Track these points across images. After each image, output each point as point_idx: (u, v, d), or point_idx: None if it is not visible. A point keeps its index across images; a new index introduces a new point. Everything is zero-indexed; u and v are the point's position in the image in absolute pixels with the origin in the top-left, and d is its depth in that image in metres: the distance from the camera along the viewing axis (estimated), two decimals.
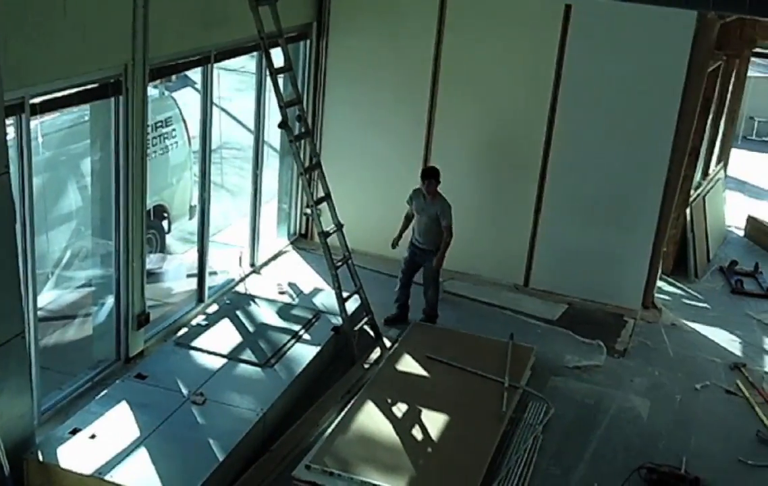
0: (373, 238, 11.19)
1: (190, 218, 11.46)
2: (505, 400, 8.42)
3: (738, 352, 10.50)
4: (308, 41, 11.39)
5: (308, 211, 10.28)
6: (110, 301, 8.53)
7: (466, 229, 10.53)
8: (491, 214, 11.28)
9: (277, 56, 9.37)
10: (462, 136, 11.14)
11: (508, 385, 8.67)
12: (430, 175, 9.83)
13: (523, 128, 10.98)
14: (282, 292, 10.12)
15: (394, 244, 10.15)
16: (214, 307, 9.64)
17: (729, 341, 10.74)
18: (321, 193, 9.86)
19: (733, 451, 8.45)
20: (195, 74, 10.38)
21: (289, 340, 8.80)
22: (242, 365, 8.29)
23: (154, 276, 10.15)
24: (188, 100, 12.40)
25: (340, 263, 9.44)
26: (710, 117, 13.07)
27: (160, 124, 10.86)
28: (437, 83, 11.12)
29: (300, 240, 12.18)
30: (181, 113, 11.36)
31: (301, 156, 10.08)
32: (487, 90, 10.99)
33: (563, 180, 10.90)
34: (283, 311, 9.49)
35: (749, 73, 16.07)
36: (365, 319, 9.61)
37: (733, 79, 14.50)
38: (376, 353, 9.35)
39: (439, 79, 11.10)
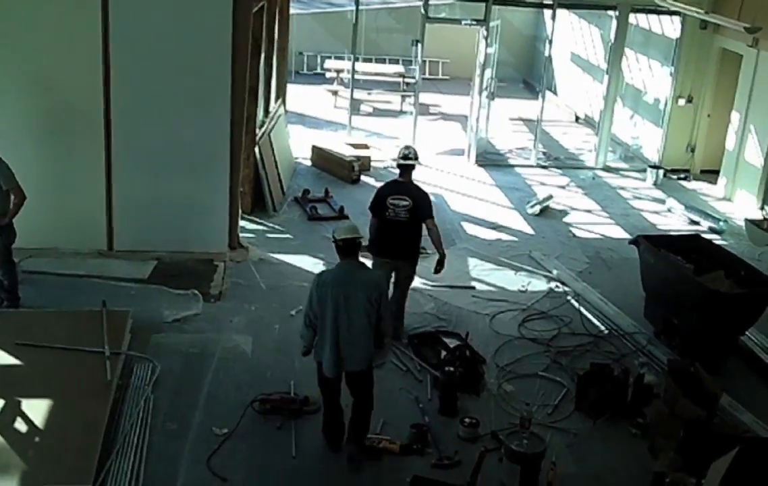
0: None
1: None
2: (108, 369, 8.10)
3: None
4: None
5: None
6: None
7: (34, 203, 9.80)
8: (60, 184, 10.66)
9: None
10: (10, 107, 10.35)
11: (109, 353, 8.33)
12: None
13: (78, 90, 10.49)
14: None
15: None
16: None
17: (313, 265, 11.30)
18: None
19: None
20: None
21: None
22: None
23: None
24: None
25: None
26: (262, 56, 13.52)
27: None
28: None
29: None
30: None
31: None
32: (30, 56, 10.29)
33: (130, 137, 10.62)
34: None
35: (292, 11, 16.89)
36: None
37: (277, 18, 15.11)
38: None
39: None
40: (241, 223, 11.92)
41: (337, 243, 7.29)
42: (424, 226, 9.30)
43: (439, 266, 9.35)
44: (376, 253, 9.28)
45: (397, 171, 9.57)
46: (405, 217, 9.13)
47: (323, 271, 7.55)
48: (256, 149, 12.89)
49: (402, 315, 9.63)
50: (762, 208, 14.50)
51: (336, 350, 7.14)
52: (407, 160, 9.36)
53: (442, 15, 18.50)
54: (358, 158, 15.13)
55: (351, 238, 7.22)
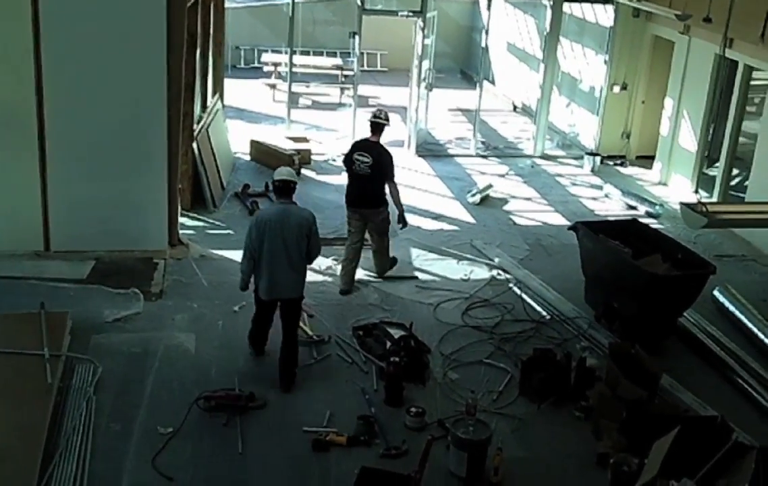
0: None
1: None
2: (49, 371, 7.96)
3: None
4: None
5: None
6: None
7: None
8: None
9: None
10: None
11: (49, 355, 8.18)
12: None
13: (10, 87, 10.25)
14: None
15: None
16: None
17: None
18: None
19: None
20: None
21: None
22: None
23: None
24: None
25: None
26: (198, 51, 13.34)
27: None
28: None
29: None
30: None
31: None
32: None
33: (66, 135, 10.40)
34: None
35: (227, 5, 16.72)
36: None
37: (213, 12, 14.95)
38: None
39: None
40: (181, 219, 11.76)
41: (274, 184, 8.58)
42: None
43: (401, 222, 10.82)
44: (349, 204, 10.67)
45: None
46: (367, 172, 10.38)
47: (262, 210, 9.00)
48: (194, 145, 12.74)
49: (387, 253, 11.01)
50: (696, 192, 14.79)
51: (271, 278, 8.38)
52: (376, 119, 10.55)
53: (379, 7, 18.47)
54: (298, 152, 15.05)
55: (286, 179, 8.50)
